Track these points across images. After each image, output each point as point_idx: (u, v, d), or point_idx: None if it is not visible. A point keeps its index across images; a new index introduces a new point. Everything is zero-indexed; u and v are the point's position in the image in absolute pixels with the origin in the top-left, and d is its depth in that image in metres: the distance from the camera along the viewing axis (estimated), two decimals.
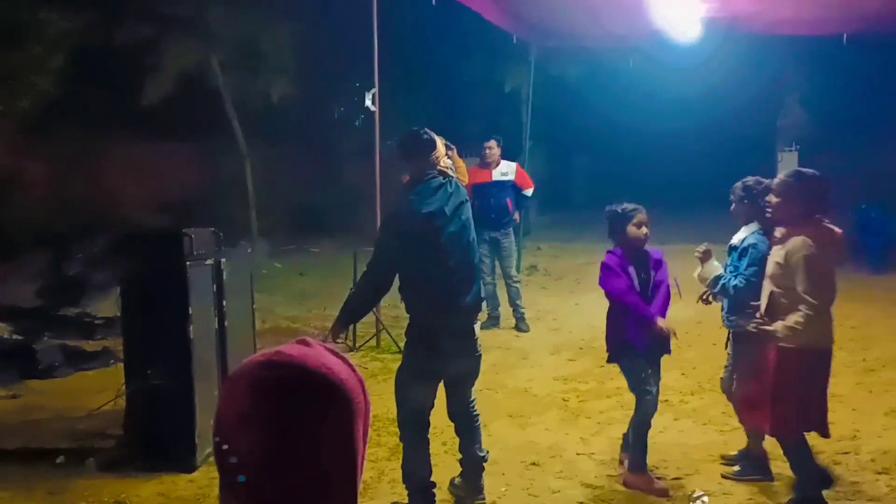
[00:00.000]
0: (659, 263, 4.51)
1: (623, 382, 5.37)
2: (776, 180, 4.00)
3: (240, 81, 13.19)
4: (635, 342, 4.31)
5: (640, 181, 18.18)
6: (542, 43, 10.49)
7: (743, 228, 4.40)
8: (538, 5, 8.43)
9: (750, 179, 4.36)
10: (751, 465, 4.48)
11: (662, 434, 5.19)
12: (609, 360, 4.56)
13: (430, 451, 4.11)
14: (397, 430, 5.17)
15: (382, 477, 4.53)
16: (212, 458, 4.70)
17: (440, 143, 4.03)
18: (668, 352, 4.44)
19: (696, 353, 6.92)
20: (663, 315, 4.34)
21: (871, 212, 12.06)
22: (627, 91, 15.51)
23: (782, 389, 3.89)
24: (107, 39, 11.97)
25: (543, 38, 10.15)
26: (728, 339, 4.50)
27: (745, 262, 4.25)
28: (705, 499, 4.20)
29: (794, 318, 3.76)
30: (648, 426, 4.37)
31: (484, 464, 4.20)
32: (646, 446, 4.38)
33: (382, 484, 4.46)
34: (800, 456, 4.01)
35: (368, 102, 6.84)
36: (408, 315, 4.10)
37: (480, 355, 4.11)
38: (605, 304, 4.68)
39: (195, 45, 12.40)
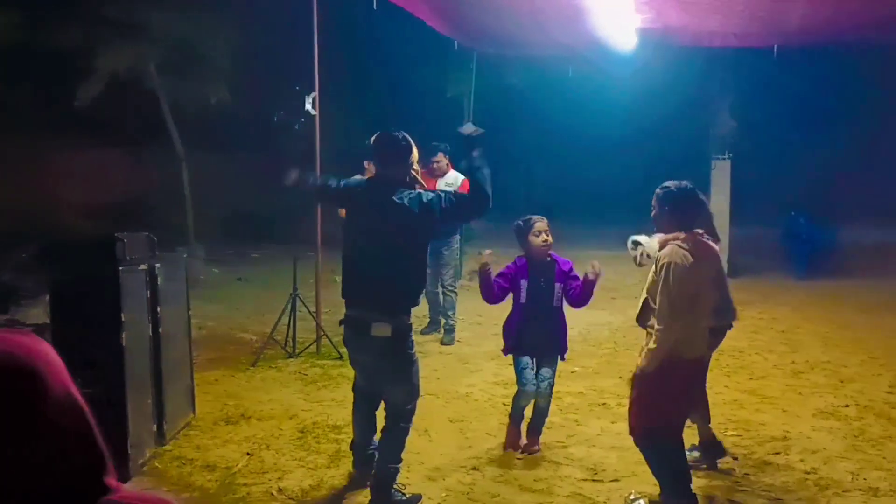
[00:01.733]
0: (566, 274, 4.94)
1: (561, 386, 5.46)
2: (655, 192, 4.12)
3: (177, 84, 12.92)
4: (507, 339, 5.12)
5: (579, 188, 18.45)
6: (483, 50, 10.58)
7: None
8: (478, 13, 8.48)
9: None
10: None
11: (600, 437, 5.27)
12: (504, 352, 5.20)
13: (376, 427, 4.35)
14: (337, 436, 5.15)
15: (322, 485, 4.48)
16: (146, 468, 4.61)
17: (415, 149, 4.17)
18: (554, 354, 5.01)
19: (632, 357, 7.01)
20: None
21: (800, 219, 12.45)
22: (567, 99, 15.72)
23: (639, 391, 3.98)
24: (39, 40, 11.60)
25: (485, 45, 10.24)
26: None
27: None
28: (641, 501, 4.26)
29: (652, 339, 3.84)
30: (518, 410, 4.98)
31: (392, 479, 4.15)
32: (520, 421, 5.02)
33: (322, 491, 4.41)
34: (659, 464, 4.06)
35: (309, 106, 6.76)
36: None
37: (390, 365, 4.04)
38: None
39: (131, 47, 12.10)
